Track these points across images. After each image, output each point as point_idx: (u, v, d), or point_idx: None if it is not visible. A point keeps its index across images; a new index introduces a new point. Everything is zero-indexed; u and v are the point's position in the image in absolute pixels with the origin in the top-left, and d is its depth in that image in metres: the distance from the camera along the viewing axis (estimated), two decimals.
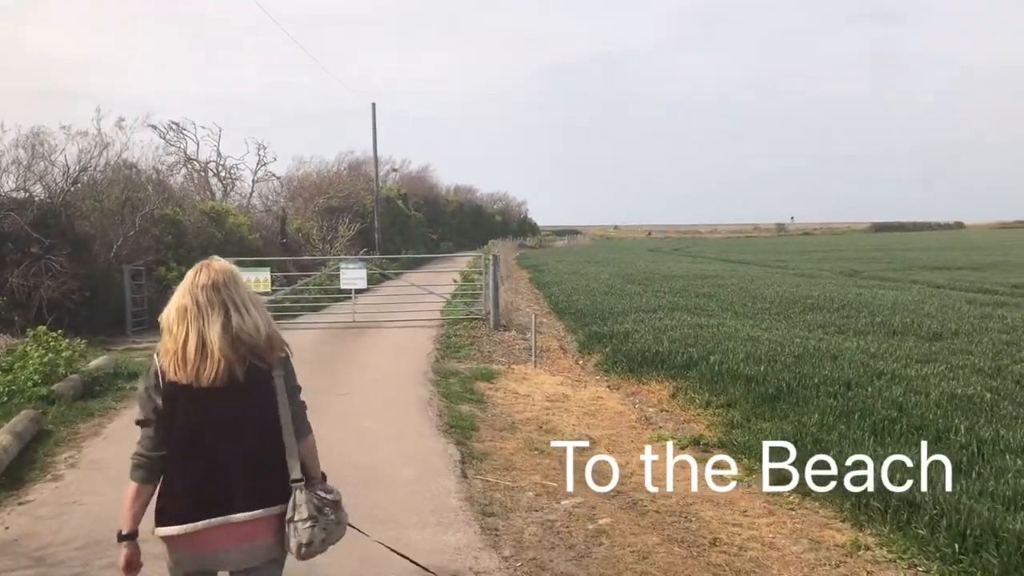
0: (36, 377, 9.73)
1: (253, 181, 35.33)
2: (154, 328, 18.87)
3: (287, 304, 19.39)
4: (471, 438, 8.32)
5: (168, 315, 2.94)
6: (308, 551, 2.94)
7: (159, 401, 2.87)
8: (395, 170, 61.65)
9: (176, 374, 2.84)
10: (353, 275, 17.71)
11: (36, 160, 17.05)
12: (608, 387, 12.05)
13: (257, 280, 17.51)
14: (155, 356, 2.94)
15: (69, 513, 5.93)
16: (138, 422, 2.93)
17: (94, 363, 11.01)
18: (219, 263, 3.04)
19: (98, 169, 18.48)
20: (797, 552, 5.63)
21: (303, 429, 3.07)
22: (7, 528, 5.68)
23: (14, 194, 16.42)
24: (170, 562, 2.92)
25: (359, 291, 18.27)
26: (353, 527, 3.19)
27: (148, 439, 2.90)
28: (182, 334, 2.87)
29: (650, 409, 10.42)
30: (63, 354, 11.06)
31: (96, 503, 6.12)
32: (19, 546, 5.35)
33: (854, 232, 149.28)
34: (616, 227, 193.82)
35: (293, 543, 2.92)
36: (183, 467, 2.87)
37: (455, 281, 25.62)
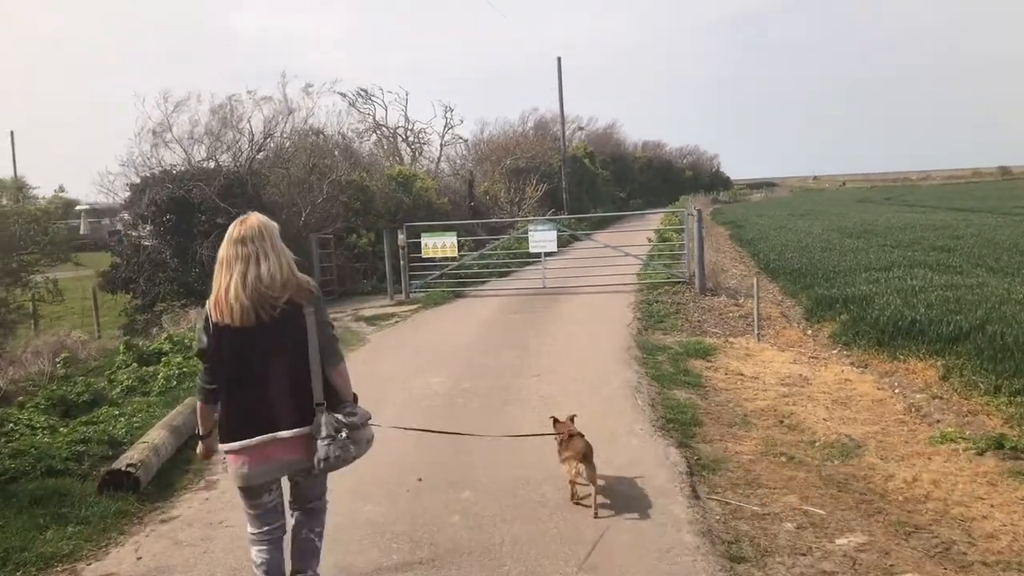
0: None
1: (441, 145, 34.87)
2: (344, 298, 18.50)
3: (476, 269, 18.36)
4: (695, 437, 6.64)
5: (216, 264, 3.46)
6: (325, 465, 3.43)
7: (207, 339, 3.42)
8: (581, 128, 59.85)
9: (216, 317, 3.37)
10: (542, 237, 16.32)
11: (225, 130, 16.87)
12: (853, 365, 9.91)
13: (444, 245, 16.54)
14: (208, 301, 3.44)
15: (212, 538, 4.86)
16: (196, 354, 3.67)
17: None
18: (252, 218, 3.49)
19: (284, 135, 18.12)
20: None
21: (334, 358, 3.57)
22: (140, 558, 4.66)
23: (204, 164, 16.30)
24: (231, 472, 3.49)
25: (548, 254, 16.88)
26: None
27: (205, 371, 3.52)
28: (218, 281, 3.41)
29: (917, 395, 8.24)
30: None
31: (243, 525, 5.05)
32: None
33: None
34: (815, 178, 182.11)
35: (315, 458, 3.41)
36: (234, 394, 3.42)
37: (649, 240, 23.76)
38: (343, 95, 30.49)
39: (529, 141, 41.44)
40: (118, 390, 8.19)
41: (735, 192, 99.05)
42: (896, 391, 8.46)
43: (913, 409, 7.80)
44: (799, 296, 15.43)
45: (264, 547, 3.58)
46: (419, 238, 16.70)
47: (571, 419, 5.48)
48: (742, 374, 8.99)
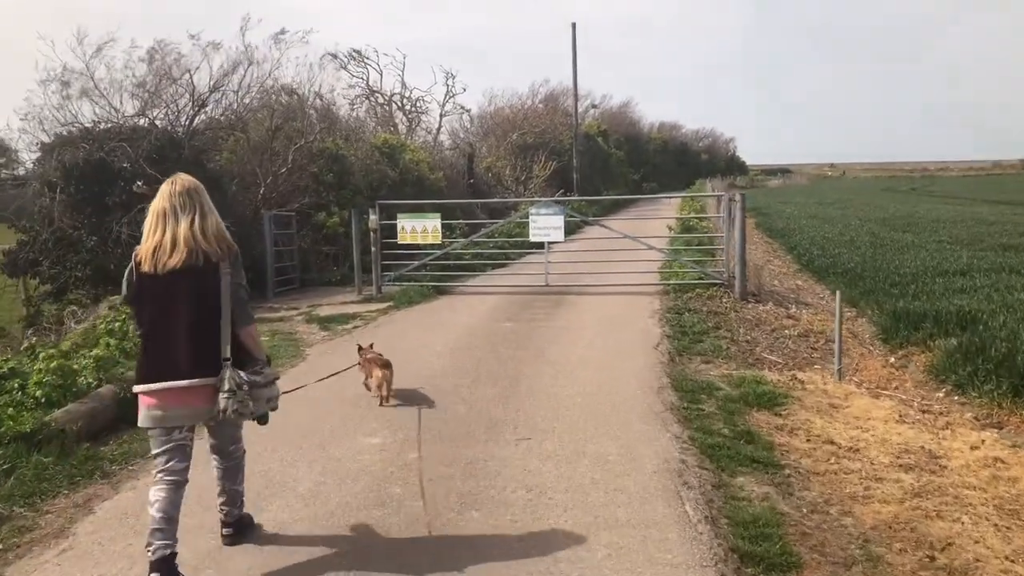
0: (38, 394, 6.09)
1: (441, 115, 31.67)
2: (306, 289, 15.16)
3: (465, 259, 15.33)
4: None
5: (149, 220, 3.73)
6: (223, 417, 3.65)
7: (132, 289, 3.69)
8: (595, 106, 56.54)
9: (146, 265, 3.62)
10: (547, 223, 13.20)
11: (166, 82, 13.83)
12: (977, 420, 6.96)
13: (424, 230, 13.50)
14: (135, 253, 3.71)
15: None
16: (121, 302, 3.92)
17: None
18: (186, 176, 3.86)
19: (243, 90, 15.07)
20: None
21: (244, 319, 3.79)
22: None
23: (135, 121, 13.28)
24: (141, 413, 3.67)
25: (553, 243, 13.79)
26: None
27: (133, 319, 4.24)
28: (160, 232, 3.65)
29: None
30: (121, 344, 7.54)
31: None
32: None
33: None
34: (832, 165, 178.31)
35: (215, 409, 3.63)
36: (148, 341, 3.68)
37: (669, 229, 20.71)
38: (334, 56, 27.42)
39: (539, 115, 38.29)
40: None
41: (751, 177, 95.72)
42: None
43: None
44: (862, 305, 12.46)
45: (164, 487, 3.67)
46: (396, 220, 13.68)
47: (371, 346, 7.26)
48: (834, 442, 6.00)
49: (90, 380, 6.46)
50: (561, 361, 8.26)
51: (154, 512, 3.61)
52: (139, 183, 12.50)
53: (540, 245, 13.95)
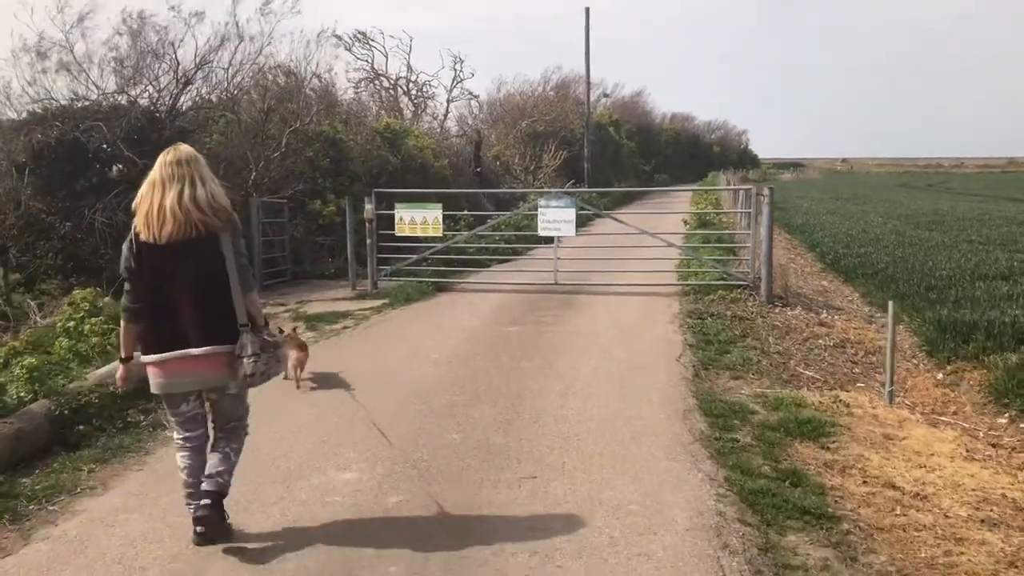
0: None
1: (448, 100, 30.67)
2: (298, 282, 13.79)
3: (469, 254, 14.35)
4: None
5: (142, 189, 3.68)
6: (252, 381, 3.77)
7: (132, 257, 3.65)
8: (607, 95, 55.40)
9: (145, 234, 3.61)
10: (556, 216, 12.14)
11: (151, 58, 12.87)
12: None
13: (425, 221, 12.52)
14: (134, 221, 3.68)
15: None
16: (121, 272, 3.75)
17: (104, 369, 6.29)
18: (184, 146, 3.79)
19: (235, 68, 14.10)
20: None
21: (248, 285, 3.81)
22: None
23: (116, 98, 12.32)
24: (151, 382, 3.77)
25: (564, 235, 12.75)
26: None
27: (129, 292, 3.73)
28: (149, 200, 3.63)
29: None
30: (76, 347, 6.64)
31: None
32: None
33: None
34: (844, 160, 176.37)
35: (240, 374, 3.72)
36: (152, 311, 3.68)
37: (685, 223, 19.69)
38: (339, 37, 26.43)
39: (549, 102, 37.20)
40: None
41: (764, 170, 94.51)
42: None
43: None
44: (899, 310, 11.43)
45: (186, 453, 3.90)
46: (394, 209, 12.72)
47: (294, 329, 7.43)
48: (896, 486, 5.03)
49: (22, 394, 5.52)
50: (571, 375, 7.31)
51: (185, 477, 3.90)
52: (118, 166, 11.64)
53: (549, 239, 12.98)
